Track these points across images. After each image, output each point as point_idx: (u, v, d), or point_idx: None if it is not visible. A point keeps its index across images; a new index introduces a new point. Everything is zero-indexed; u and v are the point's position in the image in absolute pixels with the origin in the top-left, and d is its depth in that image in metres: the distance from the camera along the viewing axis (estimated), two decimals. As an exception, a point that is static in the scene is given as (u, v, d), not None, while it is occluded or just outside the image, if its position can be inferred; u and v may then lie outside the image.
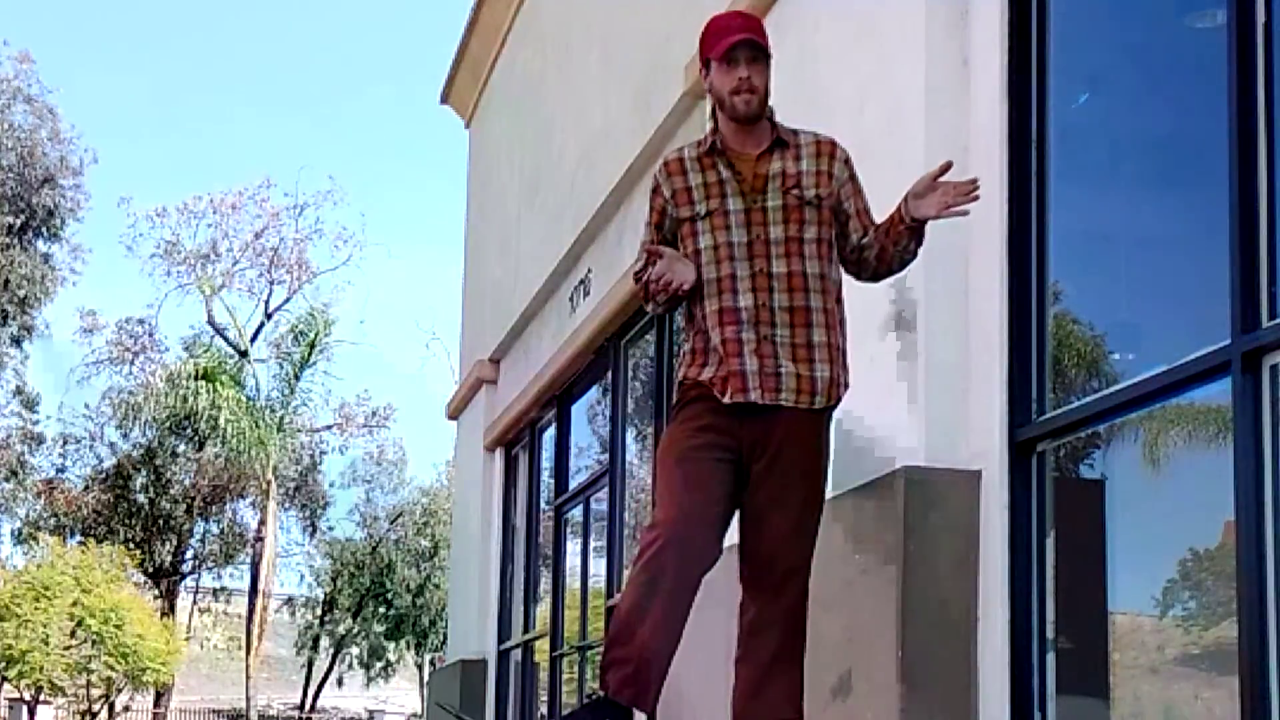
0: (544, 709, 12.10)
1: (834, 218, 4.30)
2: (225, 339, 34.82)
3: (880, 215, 4.38)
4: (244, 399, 30.76)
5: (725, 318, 4.18)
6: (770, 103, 4.31)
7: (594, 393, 11.61)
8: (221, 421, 29.93)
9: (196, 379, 30.02)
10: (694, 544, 4.05)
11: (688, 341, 4.32)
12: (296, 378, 32.09)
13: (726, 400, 4.13)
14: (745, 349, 4.14)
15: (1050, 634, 4.98)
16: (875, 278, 4.48)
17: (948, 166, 4.14)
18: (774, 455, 4.14)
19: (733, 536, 4.32)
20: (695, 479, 4.10)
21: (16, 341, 31.72)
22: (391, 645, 41.41)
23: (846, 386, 4.30)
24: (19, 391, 34.90)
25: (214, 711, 39.88)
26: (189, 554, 38.27)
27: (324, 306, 33.84)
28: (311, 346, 31.91)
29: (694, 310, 4.27)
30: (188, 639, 35.71)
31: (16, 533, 35.92)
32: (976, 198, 4.16)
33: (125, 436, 35.16)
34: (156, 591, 36.49)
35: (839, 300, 4.33)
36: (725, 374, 4.14)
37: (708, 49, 4.27)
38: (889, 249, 4.31)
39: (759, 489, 4.15)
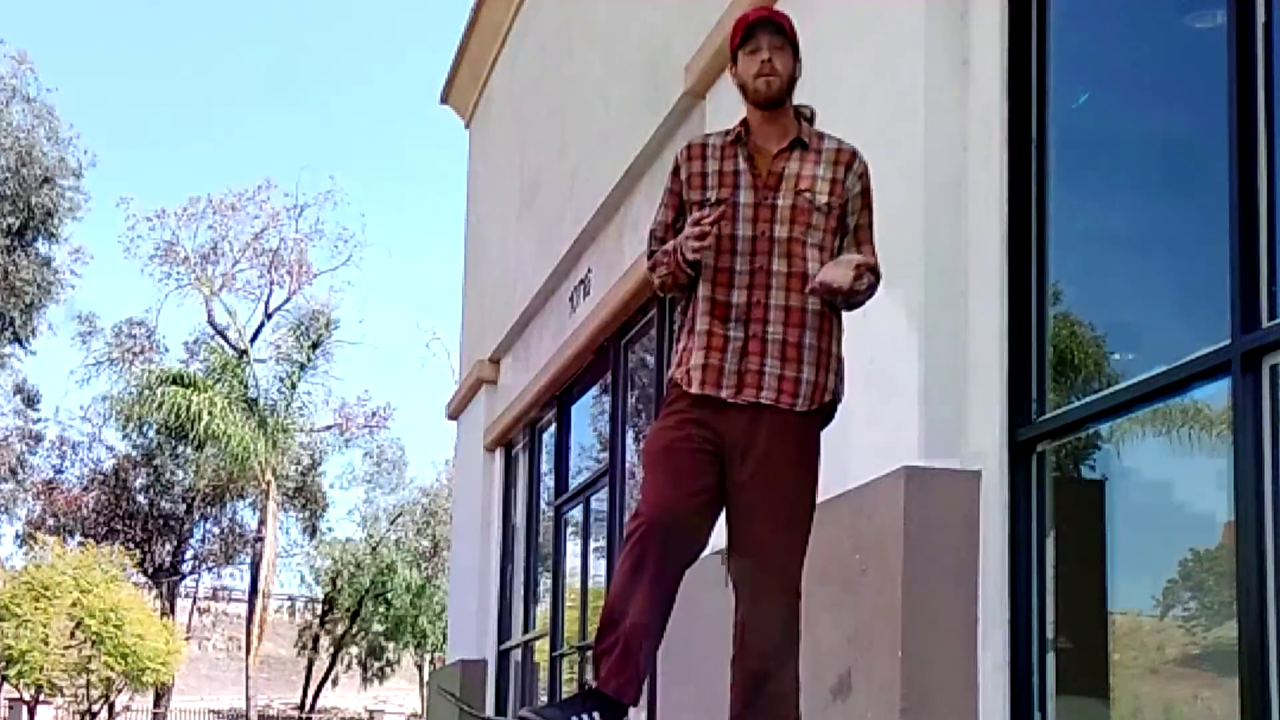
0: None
1: (839, 227, 4.28)
2: (225, 339, 34.84)
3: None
4: (229, 401, 30.71)
5: (716, 310, 4.18)
6: (805, 102, 4.31)
7: (594, 393, 11.62)
8: (203, 425, 29.91)
9: (170, 384, 30.01)
10: (675, 530, 4.06)
11: (679, 340, 4.32)
12: (293, 387, 32.07)
13: (694, 390, 4.14)
14: (730, 345, 4.15)
15: (1050, 634, 4.98)
16: None
17: (869, 265, 4.13)
18: (759, 456, 4.13)
19: (724, 539, 4.32)
20: (677, 469, 4.11)
21: (19, 342, 31.71)
22: (391, 645, 41.41)
23: (835, 394, 4.26)
24: (19, 390, 34.92)
25: (214, 712, 39.85)
26: (189, 554, 38.30)
27: (326, 307, 33.92)
28: (314, 346, 31.91)
29: (690, 296, 4.28)
30: (187, 639, 35.70)
31: (17, 534, 35.99)
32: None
33: (126, 438, 35.15)
34: (156, 592, 36.48)
35: (836, 308, 4.31)
36: (702, 364, 4.16)
37: (733, 41, 4.29)
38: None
39: (744, 490, 4.15)
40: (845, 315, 4.45)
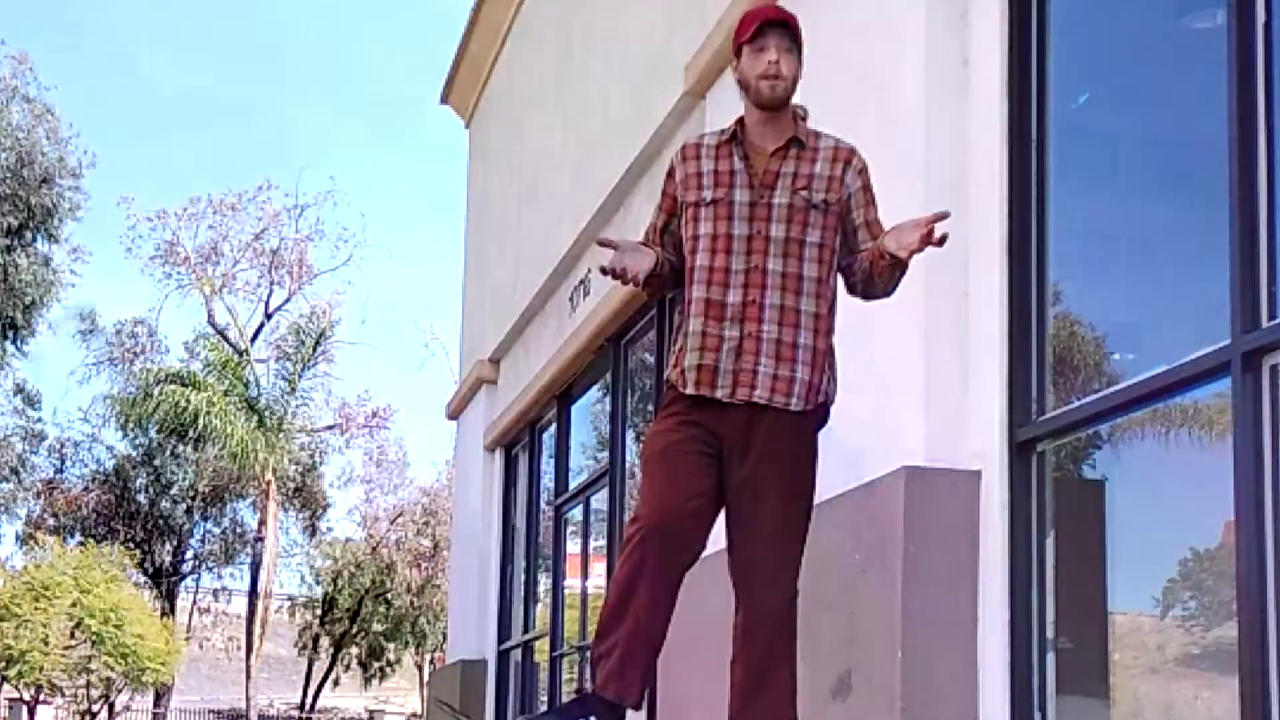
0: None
1: (840, 225, 4.27)
2: (226, 339, 34.81)
3: (884, 223, 4.36)
4: (229, 401, 30.68)
5: (710, 310, 4.17)
6: (801, 103, 4.31)
7: (594, 392, 11.62)
8: (202, 424, 29.88)
9: (169, 383, 29.99)
10: (674, 534, 4.05)
11: (675, 341, 4.32)
12: (293, 386, 32.04)
13: (689, 391, 4.13)
14: (725, 345, 4.14)
15: (1050, 634, 4.97)
16: (866, 299, 4.44)
17: (944, 216, 4.08)
18: (756, 455, 4.13)
19: (724, 539, 4.32)
20: (675, 472, 4.11)
21: (18, 343, 31.69)
22: (391, 645, 41.40)
23: (828, 395, 4.26)
24: (19, 390, 34.90)
25: (214, 712, 39.86)
26: (189, 554, 38.28)
27: (327, 306, 33.91)
28: (316, 345, 31.89)
29: (686, 295, 4.28)
30: (187, 639, 35.70)
31: (17, 534, 35.96)
32: (945, 237, 4.06)
33: (126, 438, 35.12)
34: (156, 592, 36.48)
35: (832, 308, 4.30)
36: (697, 364, 4.15)
37: (740, 35, 4.27)
38: (874, 282, 4.27)
39: (742, 490, 4.15)
40: (844, 316, 4.46)
